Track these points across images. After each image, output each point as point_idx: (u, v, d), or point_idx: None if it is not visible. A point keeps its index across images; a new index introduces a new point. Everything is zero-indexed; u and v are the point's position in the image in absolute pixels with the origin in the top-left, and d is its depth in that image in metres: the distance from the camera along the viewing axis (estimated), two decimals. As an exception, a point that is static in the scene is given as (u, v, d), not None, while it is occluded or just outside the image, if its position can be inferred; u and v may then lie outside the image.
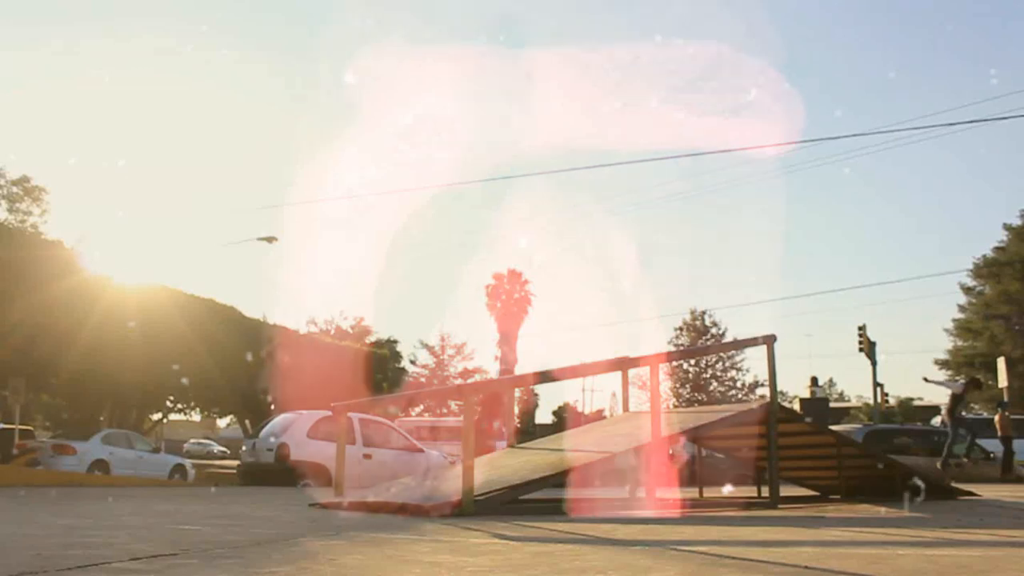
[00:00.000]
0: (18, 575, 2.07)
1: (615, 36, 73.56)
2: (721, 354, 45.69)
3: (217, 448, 47.08)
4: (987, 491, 8.38)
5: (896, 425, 22.64)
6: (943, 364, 40.38)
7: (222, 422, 47.38)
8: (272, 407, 19.06)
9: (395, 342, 49.35)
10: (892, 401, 39.66)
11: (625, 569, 2.34)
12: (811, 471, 7.80)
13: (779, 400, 6.53)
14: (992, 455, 15.07)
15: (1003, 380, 22.45)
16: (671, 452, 10.81)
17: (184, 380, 18.05)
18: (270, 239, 23.53)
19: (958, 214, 76.01)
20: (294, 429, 12.44)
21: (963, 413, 13.65)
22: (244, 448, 13.96)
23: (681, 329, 46.81)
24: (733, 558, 2.65)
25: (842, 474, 6.93)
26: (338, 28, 71.62)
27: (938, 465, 11.56)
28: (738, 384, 45.74)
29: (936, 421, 22.40)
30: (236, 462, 18.95)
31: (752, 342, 6.79)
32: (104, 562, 2.35)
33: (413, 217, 78.92)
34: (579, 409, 45.57)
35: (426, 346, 49.11)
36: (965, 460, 13.56)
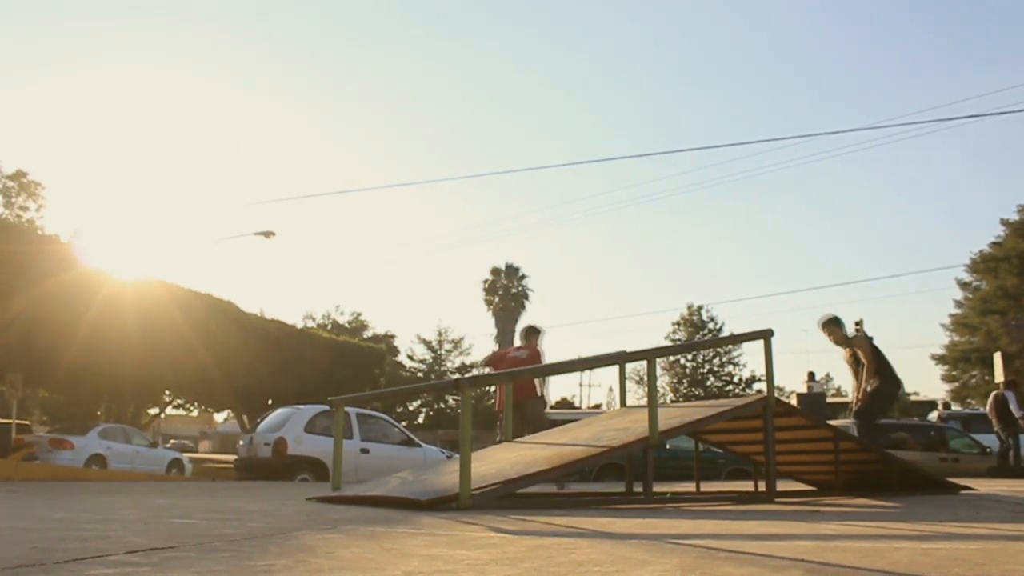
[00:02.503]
0: (15, 568, 2.06)
1: (611, 31, 73.37)
2: (718, 349, 45.79)
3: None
4: (984, 485, 8.41)
5: (893, 420, 22.67)
6: (940, 359, 40.50)
7: (219, 417, 47.36)
8: (269, 402, 19.08)
9: (392, 337, 49.48)
10: (889, 396, 39.67)
11: (622, 562, 2.34)
12: (808, 465, 7.82)
13: (776, 395, 6.54)
14: (988, 450, 15.14)
15: (999, 376, 22.51)
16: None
17: (181, 375, 18.04)
18: (268, 234, 23.53)
19: (955, 209, 76.22)
20: (291, 424, 12.44)
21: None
22: (241, 443, 13.97)
23: (678, 324, 46.97)
24: (730, 551, 2.65)
25: (839, 468, 6.94)
26: (337, 21, 71.36)
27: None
28: (735, 379, 45.86)
29: (933, 416, 22.46)
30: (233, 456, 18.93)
31: (749, 337, 6.79)
32: (101, 555, 2.35)
33: (411, 212, 78.94)
34: (576, 404, 45.64)
35: (423, 341, 49.13)
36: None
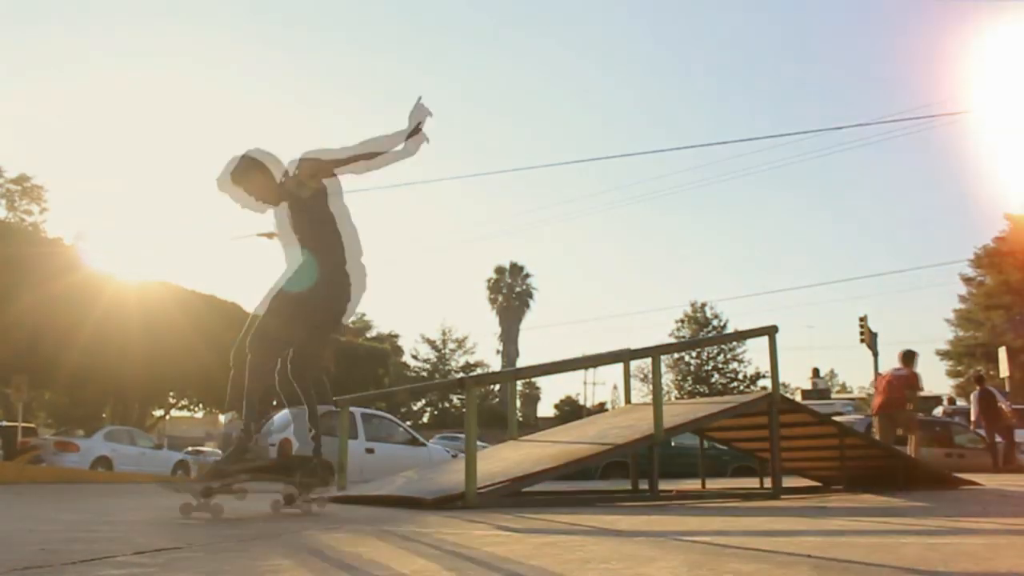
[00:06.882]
0: (23, 569, 2.07)
1: (612, 29, 73.37)
2: (722, 346, 45.75)
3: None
4: (989, 481, 8.40)
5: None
6: (944, 355, 40.38)
7: (223, 418, 47.39)
8: (274, 403, 19.11)
9: (396, 337, 49.51)
10: (893, 392, 39.59)
11: (628, 559, 2.34)
12: (813, 462, 7.81)
13: (781, 391, 6.54)
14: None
15: (1004, 370, 22.45)
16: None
17: (185, 376, 18.06)
18: (270, 235, 23.50)
19: (958, 204, 76.00)
20: (297, 425, 12.45)
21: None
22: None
23: (682, 321, 46.90)
24: (736, 548, 2.66)
25: (844, 464, 6.94)
26: (337, 23, 71.48)
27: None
28: (740, 376, 45.80)
29: (938, 412, 22.43)
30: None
31: (753, 333, 6.79)
32: (108, 556, 2.36)
33: (414, 211, 79.02)
34: (581, 402, 45.64)
35: (427, 340, 49.15)
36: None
